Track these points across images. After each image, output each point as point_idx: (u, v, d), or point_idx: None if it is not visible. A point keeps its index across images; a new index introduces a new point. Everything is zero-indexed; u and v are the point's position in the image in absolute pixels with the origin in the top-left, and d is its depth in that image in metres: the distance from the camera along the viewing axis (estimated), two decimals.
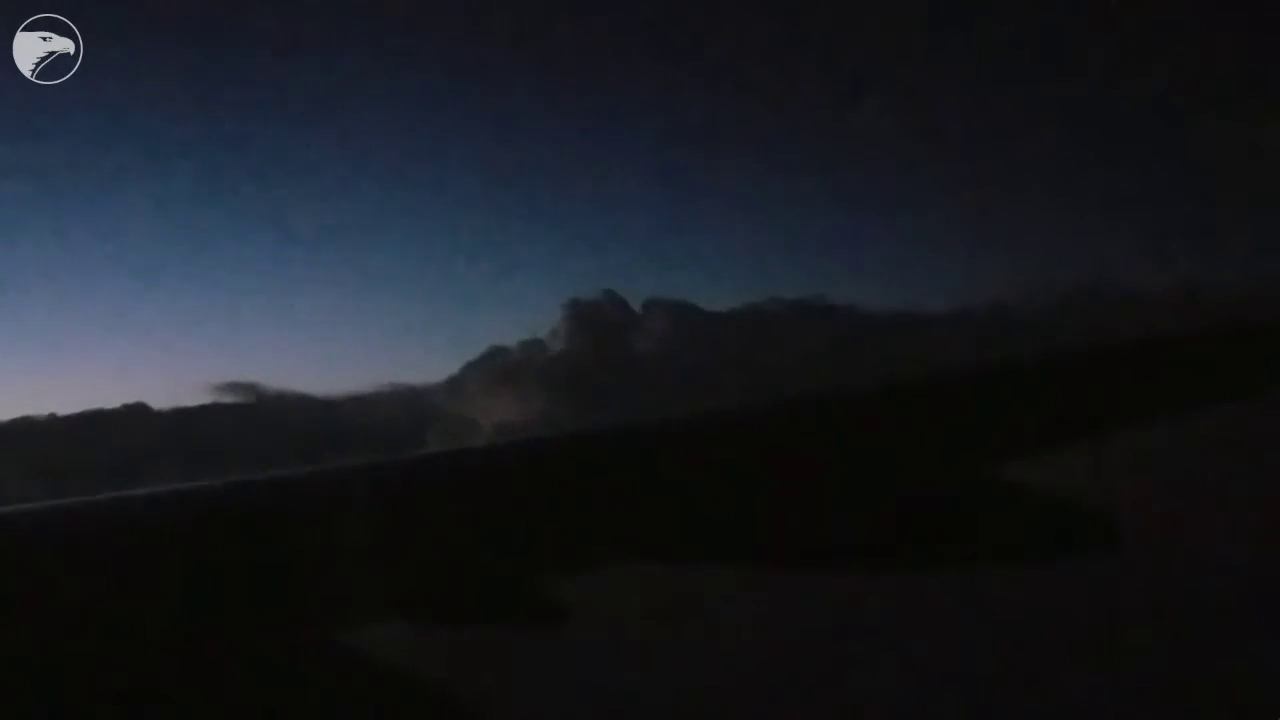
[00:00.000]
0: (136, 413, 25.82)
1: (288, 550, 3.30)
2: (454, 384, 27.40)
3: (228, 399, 26.32)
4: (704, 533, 3.45)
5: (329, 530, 3.29)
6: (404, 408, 26.79)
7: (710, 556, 3.48)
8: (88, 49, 11.48)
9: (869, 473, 3.61)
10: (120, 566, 3.33)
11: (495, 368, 27.61)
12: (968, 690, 9.23)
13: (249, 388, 26.73)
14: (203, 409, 26.06)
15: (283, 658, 3.15)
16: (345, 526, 3.32)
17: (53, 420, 25.46)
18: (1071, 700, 9.00)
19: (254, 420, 25.79)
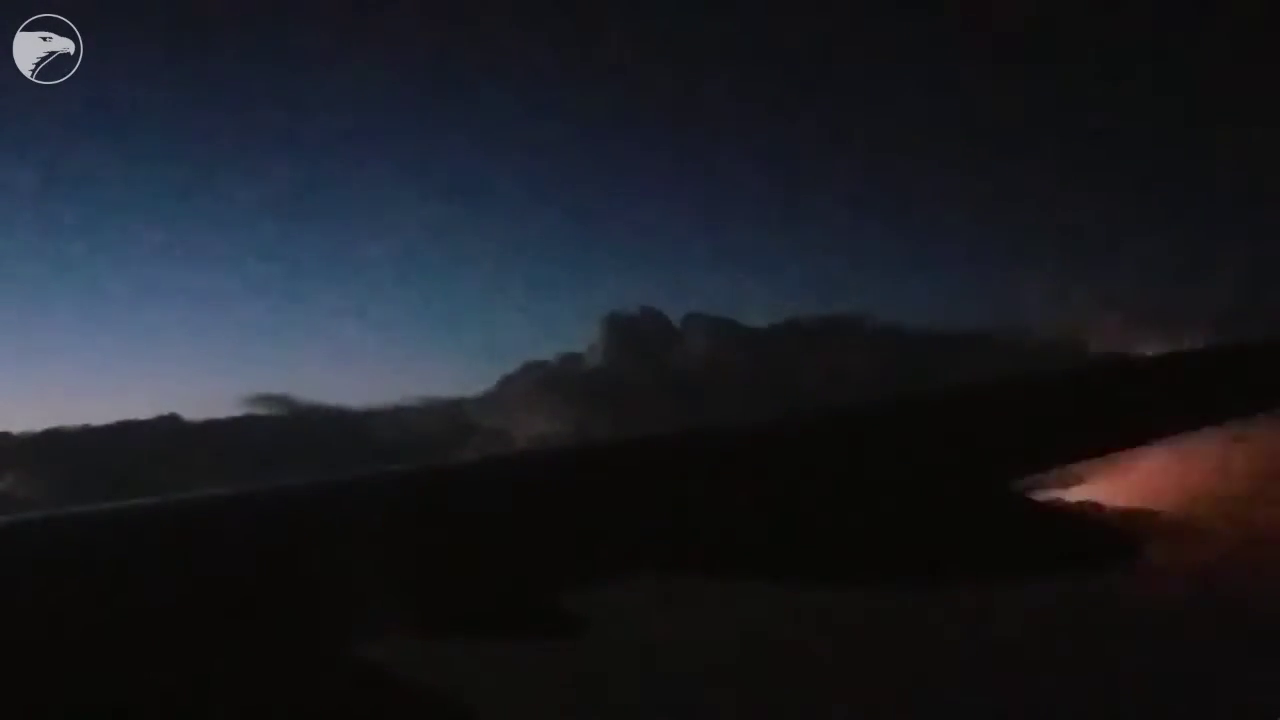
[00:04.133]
0: (169, 424, 25.69)
1: (297, 562, 3.25)
2: (490, 398, 27.04)
3: (261, 411, 26.12)
4: (717, 544, 3.43)
5: (344, 540, 3.27)
6: (439, 422, 26.46)
7: (723, 568, 3.52)
8: (87, 49, 11.32)
9: (882, 486, 3.51)
10: (136, 575, 3.26)
11: (532, 382, 27.22)
12: (970, 696, 8.99)
13: (282, 400, 26.52)
14: (236, 420, 25.90)
15: (297, 667, 3.02)
16: (360, 537, 3.28)
17: (85, 431, 25.39)
18: (1071, 701, 8.76)
19: (287, 432, 25.57)
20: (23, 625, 3.19)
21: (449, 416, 26.89)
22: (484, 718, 3.34)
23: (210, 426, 26.03)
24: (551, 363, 27.89)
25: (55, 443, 24.98)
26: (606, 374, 27.28)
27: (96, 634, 3.12)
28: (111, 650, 3.08)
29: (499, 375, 27.63)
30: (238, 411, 26.34)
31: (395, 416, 26.39)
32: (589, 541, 3.55)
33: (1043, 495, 3.70)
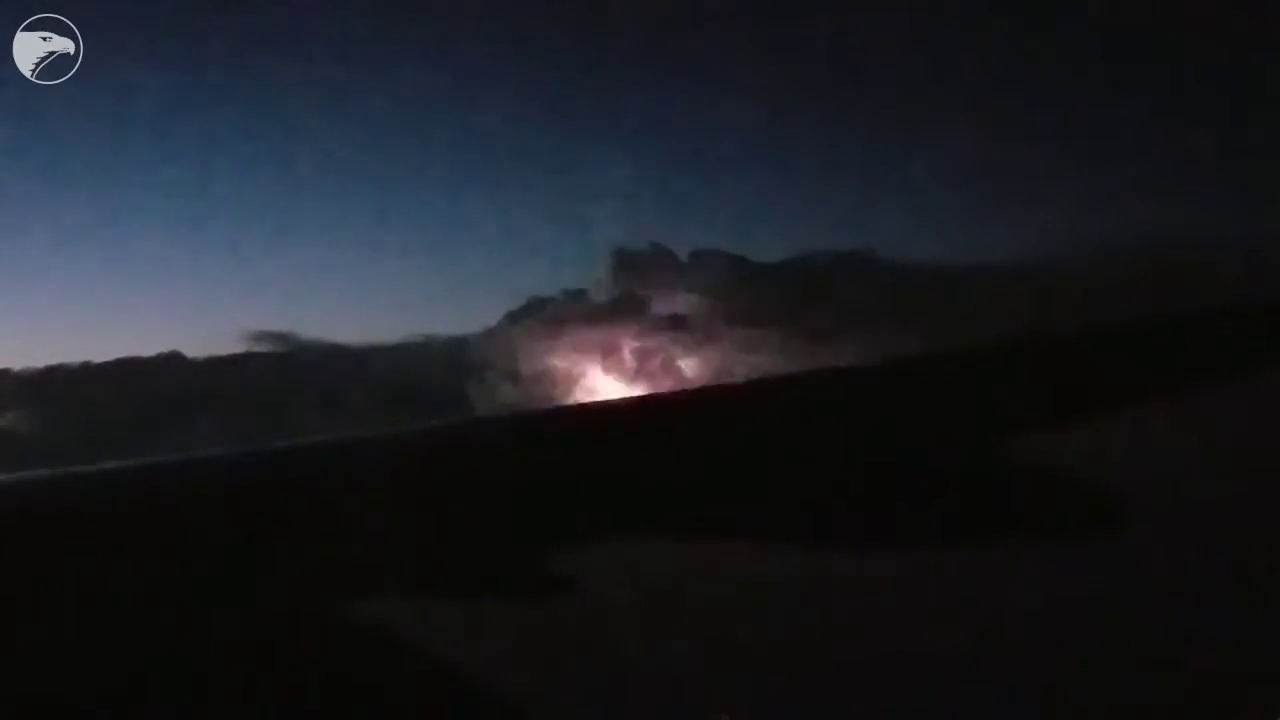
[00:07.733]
0: (171, 361, 25.57)
1: (286, 524, 3.14)
2: (494, 335, 26.90)
3: (262, 348, 25.99)
4: (706, 510, 3.38)
5: (334, 503, 3.16)
6: (442, 358, 26.35)
7: (712, 535, 3.50)
8: (88, 49, 11.08)
9: (876, 451, 3.45)
10: (129, 537, 3.12)
11: (537, 319, 27.02)
12: (963, 676, 8.86)
13: (284, 337, 26.36)
14: (236, 358, 25.82)
15: (288, 629, 2.91)
16: (347, 501, 3.16)
17: (87, 367, 25.25)
18: (1071, 695, 8.60)
19: (289, 370, 25.51)
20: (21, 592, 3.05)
21: (452, 352, 26.73)
22: (477, 673, 3.20)
23: (212, 363, 25.93)
24: (556, 299, 27.63)
25: (57, 380, 24.88)
26: (612, 310, 27.03)
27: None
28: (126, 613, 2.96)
29: (503, 311, 27.37)
30: (239, 349, 26.21)
31: (398, 352, 26.26)
32: (581, 503, 3.44)
33: (1034, 460, 3.64)
